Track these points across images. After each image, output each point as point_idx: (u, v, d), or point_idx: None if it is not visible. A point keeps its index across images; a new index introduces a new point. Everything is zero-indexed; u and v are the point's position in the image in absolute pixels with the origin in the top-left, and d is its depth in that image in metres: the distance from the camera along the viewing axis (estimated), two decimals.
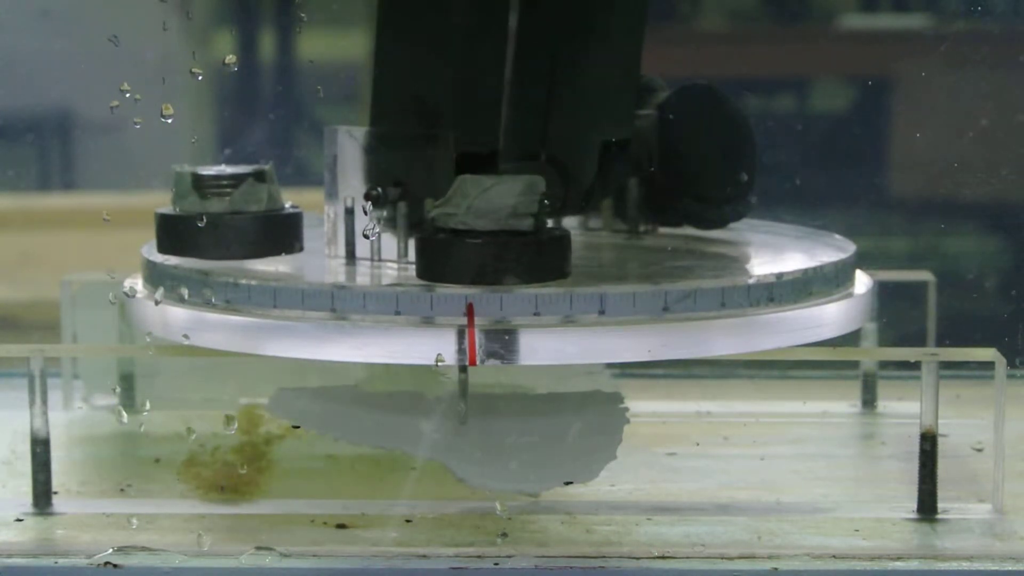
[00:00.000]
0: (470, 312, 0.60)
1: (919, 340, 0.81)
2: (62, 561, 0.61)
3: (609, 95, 0.72)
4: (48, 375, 0.65)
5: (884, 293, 0.78)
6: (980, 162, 0.96)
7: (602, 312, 0.61)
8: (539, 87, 0.72)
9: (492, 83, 0.69)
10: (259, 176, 0.67)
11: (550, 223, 0.64)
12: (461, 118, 0.67)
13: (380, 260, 0.68)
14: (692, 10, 1.08)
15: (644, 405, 0.80)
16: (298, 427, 0.71)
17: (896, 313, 0.84)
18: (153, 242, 0.69)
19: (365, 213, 0.67)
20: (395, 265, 0.67)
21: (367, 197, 0.67)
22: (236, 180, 0.67)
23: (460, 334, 0.60)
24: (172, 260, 0.67)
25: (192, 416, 0.74)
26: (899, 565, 0.60)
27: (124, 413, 0.70)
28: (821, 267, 0.66)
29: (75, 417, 0.80)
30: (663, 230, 0.76)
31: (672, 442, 0.76)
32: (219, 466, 0.71)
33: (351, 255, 0.69)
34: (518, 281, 0.61)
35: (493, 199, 0.61)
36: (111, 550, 0.61)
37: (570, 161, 0.71)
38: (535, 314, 0.60)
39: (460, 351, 0.60)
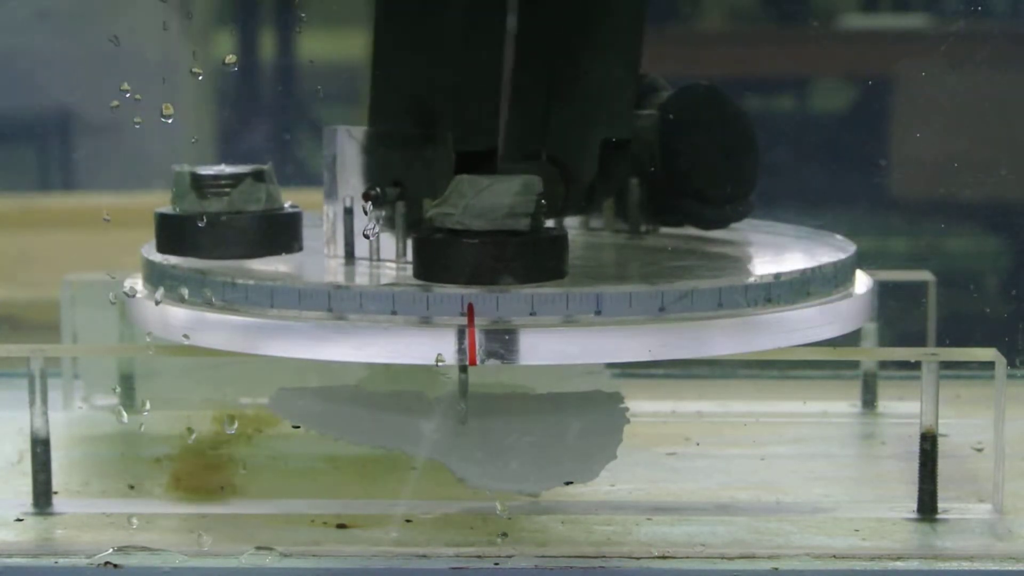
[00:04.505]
0: (470, 312, 0.60)
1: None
2: (62, 561, 0.61)
3: (609, 94, 0.72)
4: (48, 375, 0.65)
5: (884, 293, 0.78)
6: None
7: (598, 312, 0.61)
8: (540, 86, 0.72)
9: (489, 82, 0.69)
10: (258, 176, 0.67)
11: (551, 223, 0.64)
12: (458, 118, 0.67)
13: (379, 260, 0.68)
14: (693, 10, 1.08)
15: (644, 405, 0.80)
16: (298, 427, 0.71)
17: (897, 313, 0.84)
18: (153, 242, 0.69)
19: (365, 213, 0.67)
20: (394, 265, 0.67)
21: (366, 197, 0.67)
22: (235, 180, 0.67)
23: (460, 334, 0.60)
24: (171, 260, 0.67)
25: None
26: (899, 565, 0.60)
27: (124, 413, 0.70)
28: (820, 267, 0.66)
29: (75, 417, 0.80)
30: (664, 230, 0.76)
31: (672, 442, 0.76)
32: None
33: (350, 255, 0.69)
34: (514, 281, 0.61)
35: (490, 199, 0.61)
36: (111, 550, 0.61)
37: (571, 160, 0.71)
38: (531, 314, 0.60)
39: (460, 351, 0.60)
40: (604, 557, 0.61)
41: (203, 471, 0.70)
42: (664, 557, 0.61)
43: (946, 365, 0.64)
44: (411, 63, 0.67)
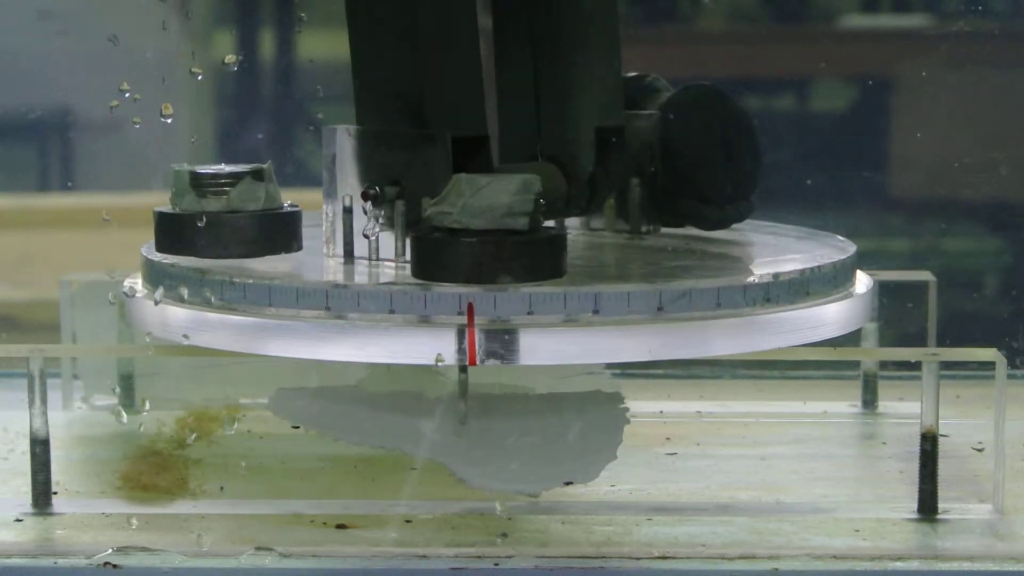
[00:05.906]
0: (470, 312, 0.60)
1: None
2: (62, 561, 0.61)
3: (595, 81, 0.72)
4: (47, 375, 0.65)
5: (885, 293, 0.78)
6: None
7: (596, 312, 0.61)
8: (525, 84, 0.72)
9: (468, 61, 0.68)
10: (257, 175, 0.67)
11: (552, 222, 0.64)
12: (441, 101, 0.67)
13: (378, 259, 0.68)
14: (694, 10, 1.08)
15: (644, 405, 0.80)
16: (298, 427, 0.71)
17: (897, 313, 0.84)
18: (152, 241, 0.68)
19: (365, 213, 0.67)
20: (393, 264, 0.67)
21: (364, 196, 0.67)
22: (234, 179, 0.67)
23: (460, 334, 0.60)
24: (170, 259, 0.67)
25: None
26: (899, 565, 0.60)
27: (124, 413, 0.70)
28: (819, 267, 0.66)
29: (75, 417, 0.80)
30: (665, 230, 0.76)
31: (672, 442, 0.76)
32: None
33: (349, 254, 0.68)
34: (512, 280, 0.61)
35: (488, 198, 0.61)
36: (111, 550, 0.61)
37: (567, 154, 0.71)
38: (529, 313, 0.60)
39: (460, 351, 0.60)
40: (604, 557, 0.61)
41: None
42: (664, 557, 0.61)
43: (946, 365, 0.64)
44: (388, 52, 0.67)
